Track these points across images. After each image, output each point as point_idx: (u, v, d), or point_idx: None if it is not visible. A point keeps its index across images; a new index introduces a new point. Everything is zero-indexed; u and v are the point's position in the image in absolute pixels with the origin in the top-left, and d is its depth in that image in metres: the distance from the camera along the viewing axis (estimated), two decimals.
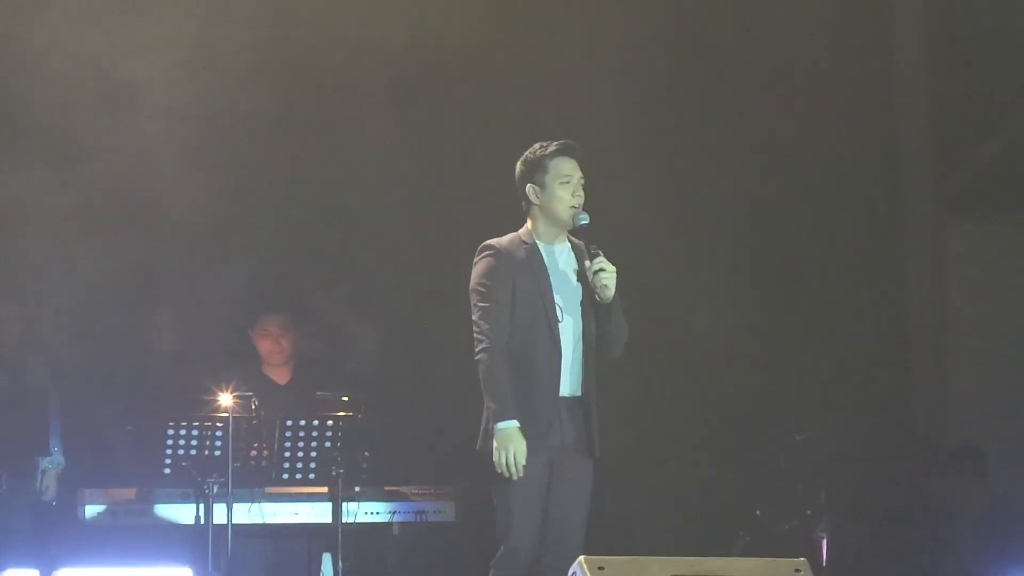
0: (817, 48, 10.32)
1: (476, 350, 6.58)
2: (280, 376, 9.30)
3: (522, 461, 6.43)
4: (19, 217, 9.53)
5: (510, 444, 6.44)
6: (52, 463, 9.00)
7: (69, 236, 9.53)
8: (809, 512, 9.50)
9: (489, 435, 6.54)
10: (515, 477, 6.43)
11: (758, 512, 9.67)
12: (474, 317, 6.61)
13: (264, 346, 9.29)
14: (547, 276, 6.61)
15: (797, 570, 6.03)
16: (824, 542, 9.32)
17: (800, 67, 10.35)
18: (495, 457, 6.45)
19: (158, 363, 9.64)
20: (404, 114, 10.01)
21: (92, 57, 9.41)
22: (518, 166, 6.71)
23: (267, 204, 10.03)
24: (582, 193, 6.64)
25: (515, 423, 6.44)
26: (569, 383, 6.60)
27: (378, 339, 9.95)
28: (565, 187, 6.62)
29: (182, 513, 8.47)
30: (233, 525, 8.27)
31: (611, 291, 6.52)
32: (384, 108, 9.98)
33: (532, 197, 6.67)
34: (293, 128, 9.93)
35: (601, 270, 6.51)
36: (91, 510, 8.55)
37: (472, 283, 6.66)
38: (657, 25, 10.21)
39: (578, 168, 6.66)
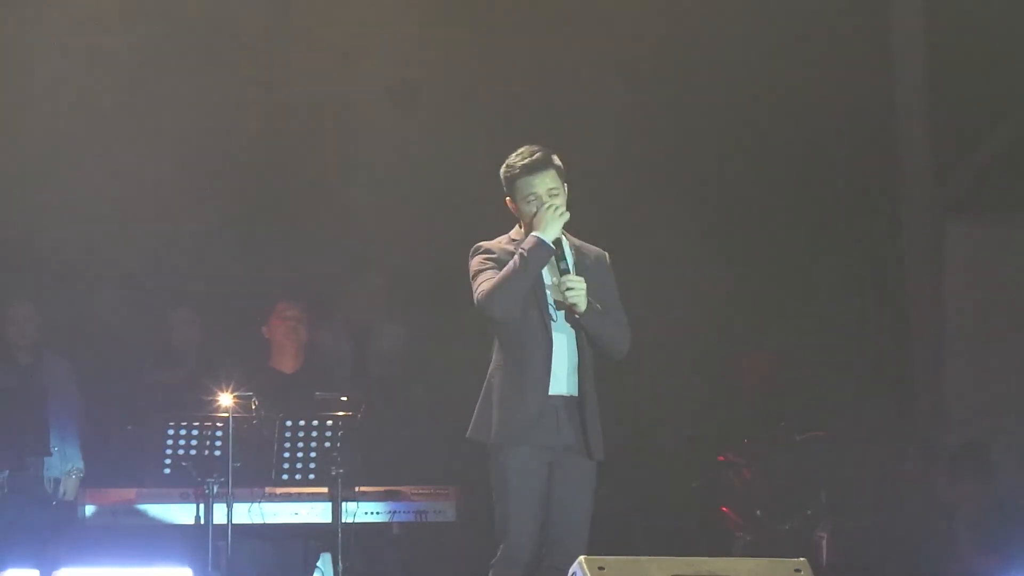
0: (817, 49, 10.33)
1: (477, 293, 6.54)
2: (288, 366, 9.32)
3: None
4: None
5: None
6: (75, 469, 9.03)
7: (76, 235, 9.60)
8: (809, 512, 9.51)
9: (479, 425, 6.57)
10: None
11: (758, 512, 9.67)
12: (478, 287, 6.56)
13: (280, 331, 9.30)
14: (540, 272, 6.60)
15: (797, 570, 6.03)
16: (824, 542, 9.33)
17: (800, 68, 10.36)
18: (546, 210, 6.50)
19: (159, 361, 9.65)
20: (413, 116, 10.05)
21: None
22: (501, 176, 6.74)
23: (282, 199, 10.08)
24: (556, 204, 6.58)
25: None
26: (566, 383, 6.58)
27: (401, 339, 9.97)
28: (532, 204, 6.62)
29: (182, 513, 8.46)
30: (232, 525, 8.27)
31: (582, 306, 6.52)
32: (391, 110, 10.02)
33: (512, 209, 6.72)
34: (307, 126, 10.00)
35: (569, 289, 6.51)
36: (91, 510, 8.54)
37: (471, 272, 6.65)
38: (656, 25, 10.22)
39: (547, 179, 6.60)
